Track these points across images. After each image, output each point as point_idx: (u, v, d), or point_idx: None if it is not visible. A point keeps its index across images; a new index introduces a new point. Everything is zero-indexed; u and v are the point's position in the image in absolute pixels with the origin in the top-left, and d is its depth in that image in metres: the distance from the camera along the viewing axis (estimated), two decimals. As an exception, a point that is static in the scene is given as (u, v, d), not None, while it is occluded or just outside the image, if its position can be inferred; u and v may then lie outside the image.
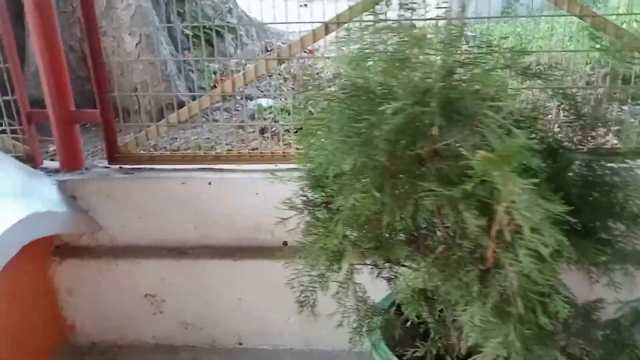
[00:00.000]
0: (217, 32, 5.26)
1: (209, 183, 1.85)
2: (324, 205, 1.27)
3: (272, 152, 1.92)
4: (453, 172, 0.95)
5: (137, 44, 4.24)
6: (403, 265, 1.25)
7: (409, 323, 1.31)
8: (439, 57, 0.99)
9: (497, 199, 0.92)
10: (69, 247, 1.93)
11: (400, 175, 1.01)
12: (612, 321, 1.06)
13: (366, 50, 1.08)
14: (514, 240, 0.96)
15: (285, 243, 1.90)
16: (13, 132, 1.95)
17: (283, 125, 2.27)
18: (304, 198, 1.32)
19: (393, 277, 1.39)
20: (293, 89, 4.89)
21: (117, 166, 1.95)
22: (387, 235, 1.15)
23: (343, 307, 1.40)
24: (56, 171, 1.94)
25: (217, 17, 5.69)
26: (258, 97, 4.71)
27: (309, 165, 1.22)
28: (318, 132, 1.13)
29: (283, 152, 1.90)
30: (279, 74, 5.57)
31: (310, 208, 1.29)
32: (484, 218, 0.97)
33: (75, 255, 1.91)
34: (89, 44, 1.81)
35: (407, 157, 1.00)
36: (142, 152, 1.95)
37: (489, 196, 0.95)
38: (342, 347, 1.88)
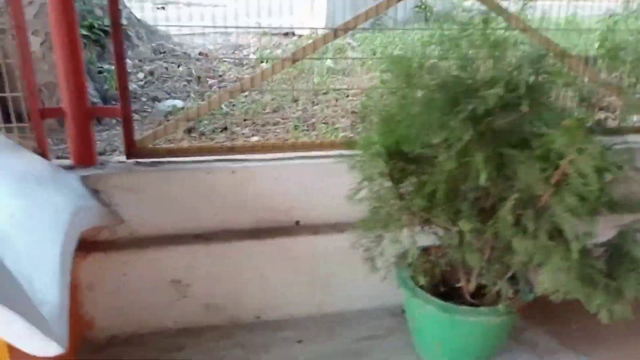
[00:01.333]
0: (106, 33, 5.13)
1: (233, 172, 2.03)
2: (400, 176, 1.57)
3: (283, 142, 2.15)
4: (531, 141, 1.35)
5: (41, 44, 4.02)
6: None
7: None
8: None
9: (563, 155, 1.33)
10: (90, 242, 1.94)
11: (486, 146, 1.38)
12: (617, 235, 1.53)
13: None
14: (566, 186, 1.38)
15: (297, 222, 2.15)
16: (20, 129, 1.91)
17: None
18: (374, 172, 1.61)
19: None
20: (200, 89, 5.00)
21: (133, 160, 2.01)
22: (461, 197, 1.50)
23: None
24: (70, 168, 1.94)
25: (106, 17, 5.52)
26: (167, 99, 4.76)
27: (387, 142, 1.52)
28: (408, 114, 1.45)
29: (293, 142, 2.15)
30: (180, 76, 5.60)
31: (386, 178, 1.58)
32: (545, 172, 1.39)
33: (98, 249, 1.94)
34: None
35: (492, 131, 1.37)
36: (158, 146, 2.04)
37: (554, 156, 1.36)
38: (351, 309, 2.20)
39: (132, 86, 4.83)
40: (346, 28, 2.08)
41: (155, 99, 4.64)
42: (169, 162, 2.03)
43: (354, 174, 1.73)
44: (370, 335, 2.08)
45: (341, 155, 2.04)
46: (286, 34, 7.11)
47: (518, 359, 1.96)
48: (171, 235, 2.02)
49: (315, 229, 2.13)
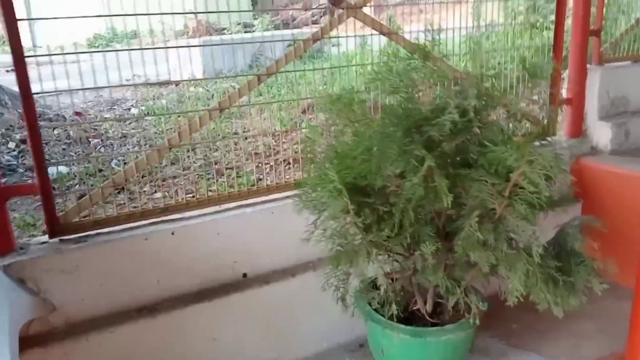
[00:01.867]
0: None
1: (172, 233, 1.91)
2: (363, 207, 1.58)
3: (216, 194, 2.07)
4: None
5: None
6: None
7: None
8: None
9: (512, 168, 1.43)
10: (22, 339, 1.70)
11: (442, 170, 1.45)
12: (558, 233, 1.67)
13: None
14: (516, 196, 1.49)
15: (244, 275, 2.07)
16: None
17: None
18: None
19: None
20: (83, 151, 4.69)
21: (57, 239, 1.82)
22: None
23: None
24: (-17, 258, 1.70)
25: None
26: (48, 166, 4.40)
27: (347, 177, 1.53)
28: (364, 149, 1.48)
29: (229, 193, 2.08)
30: (58, 140, 5.24)
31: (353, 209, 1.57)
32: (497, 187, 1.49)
33: (34, 344, 1.70)
34: None
35: (446, 155, 1.44)
36: (85, 219, 1.86)
37: (503, 170, 1.46)
38: (309, 353, 2.15)
39: (5, 157, 4.40)
40: (269, 73, 2.09)
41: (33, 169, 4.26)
42: (99, 234, 1.86)
43: (304, 214, 1.73)
44: (336, 376, 2.05)
45: (289, 197, 2.03)
46: (162, 84, 6.93)
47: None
48: (112, 313, 1.84)
49: (263, 279, 2.07)
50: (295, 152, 2.32)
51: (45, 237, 1.82)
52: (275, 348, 2.10)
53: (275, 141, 4.27)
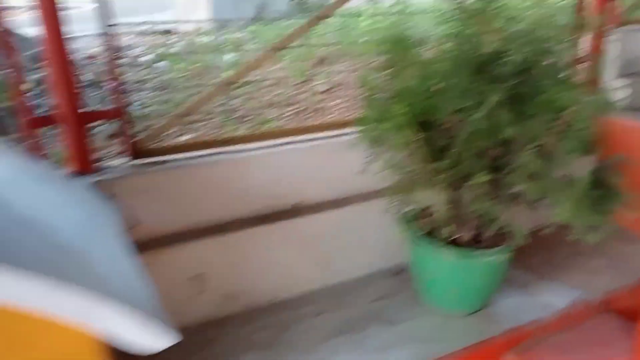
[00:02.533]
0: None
1: (235, 162, 2.07)
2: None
3: (274, 130, 2.23)
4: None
5: None
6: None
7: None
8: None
9: (565, 107, 1.62)
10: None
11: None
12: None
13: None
14: (567, 133, 1.68)
15: (297, 204, 2.25)
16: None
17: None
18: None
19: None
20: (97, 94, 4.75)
21: (135, 162, 1.97)
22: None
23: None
24: (75, 176, 1.85)
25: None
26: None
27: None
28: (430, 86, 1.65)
29: (282, 129, 2.24)
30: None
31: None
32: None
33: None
34: None
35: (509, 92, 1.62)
36: (159, 145, 2.01)
37: (556, 108, 1.65)
38: (356, 277, 2.37)
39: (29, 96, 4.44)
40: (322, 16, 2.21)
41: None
42: (172, 160, 2.02)
43: (358, 149, 1.90)
44: (380, 296, 2.27)
45: (347, 134, 2.21)
46: (165, 32, 6.93)
47: (509, 293, 2.27)
48: (186, 231, 2.01)
49: (315, 208, 2.25)
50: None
51: (124, 160, 1.97)
52: (323, 271, 2.31)
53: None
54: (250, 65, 2.17)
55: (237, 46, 5.59)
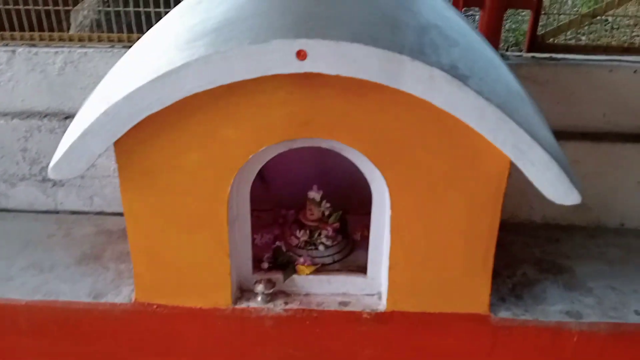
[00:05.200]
0: None
1: (635, 71, 2.00)
2: None
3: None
4: None
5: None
6: None
7: None
8: None
9: None
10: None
11: None
12: None
13: None
14: None
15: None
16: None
17: None
18: None
19: None
20: None
21: (531, 54, 2.07)
22: None
23: None
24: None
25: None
26: None
27: None
28: None
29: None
30: None
31: None
32: None
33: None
34: None
35: None
36: (556, 42, 2.07)
37: None
38: None
39: None
40: None
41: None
42: (567, 59, 2.06)
43: None
44: None
45: None
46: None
47: None
48: (559, 130, 2.06)
49: None
50: None
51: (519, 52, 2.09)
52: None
53: None
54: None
55: None
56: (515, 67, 1.98)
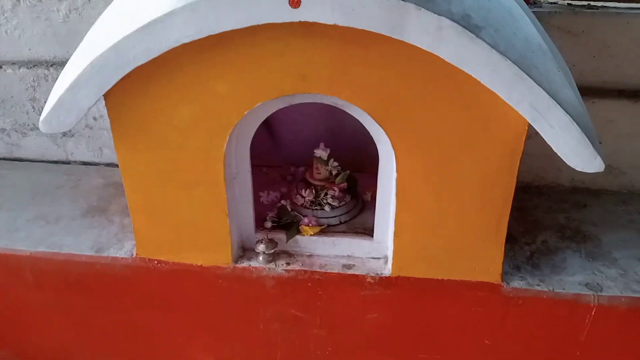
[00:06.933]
0: None
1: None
2: None
3: None
4: None
5: None
6: None
7: None
8: None
9: None
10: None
11: None
12: None
13: None
14: None
15: None
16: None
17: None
18: None
19: None
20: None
21: (566, 2, 1.88)
22: None
23: None
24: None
25: None
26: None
27: None
28: None
29: None
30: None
31: None
32: None
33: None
34: None
35: None
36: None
37: None
38: None
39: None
40: None
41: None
42: (606, 7, 1.86)
43: None
44: None
45: None
46: None
47: None
48: (592, 86, 1.90)
49: None
50: None
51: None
52: None
53: None
54: None
55: None
56: (548, 16, 1.81)
